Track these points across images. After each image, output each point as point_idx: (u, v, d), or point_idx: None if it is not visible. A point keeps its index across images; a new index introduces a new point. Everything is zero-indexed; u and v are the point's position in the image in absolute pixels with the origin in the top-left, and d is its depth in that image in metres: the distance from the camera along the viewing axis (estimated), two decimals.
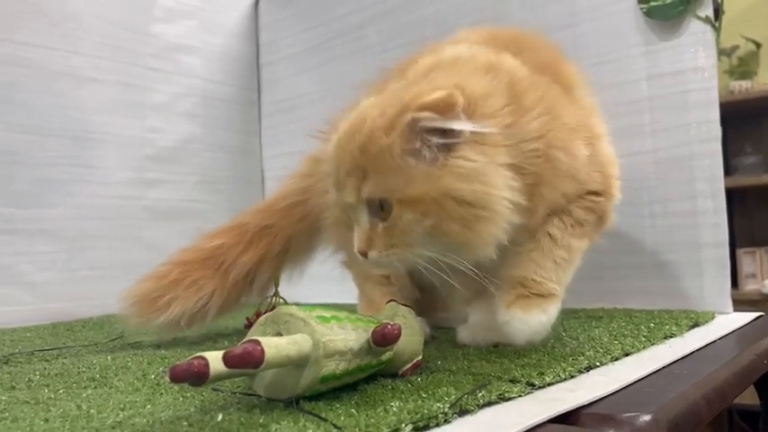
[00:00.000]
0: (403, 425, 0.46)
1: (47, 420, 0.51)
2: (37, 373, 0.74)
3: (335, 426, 0.46)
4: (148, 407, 0.55)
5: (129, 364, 0.78)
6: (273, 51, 1.82)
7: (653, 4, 1.13)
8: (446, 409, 0.50)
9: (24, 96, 1.35)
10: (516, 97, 0.70)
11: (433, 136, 0.64)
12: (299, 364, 0.50)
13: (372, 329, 0.55)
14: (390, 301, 0.69)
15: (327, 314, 0.54)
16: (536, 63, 0.77)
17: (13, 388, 0.66)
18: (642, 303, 1.11)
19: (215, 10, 1.75)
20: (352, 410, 0.50)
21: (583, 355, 0.71)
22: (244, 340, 0.48)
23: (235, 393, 0.57)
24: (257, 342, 0.47)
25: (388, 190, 0.65)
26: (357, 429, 0.45)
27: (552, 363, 0.67)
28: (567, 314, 1.05)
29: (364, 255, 0.68)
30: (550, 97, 0.73)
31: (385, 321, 0.56)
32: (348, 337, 0.53)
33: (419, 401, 0.52)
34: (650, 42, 1.14)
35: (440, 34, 1.43)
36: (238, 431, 0.46)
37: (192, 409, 0.53)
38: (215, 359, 0.46)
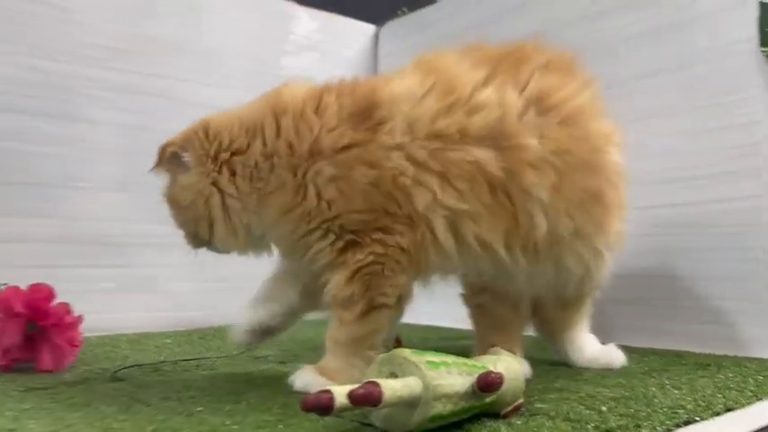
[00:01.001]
0: None
1: None
2: (182, 384, 0.85)
3: None
4: (280, 426, 0.64)
5: (259, 381, 0.89)
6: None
7: None
8: None
9: (169, 125, 1.52)
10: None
11: None
12: (410, 404, 0.57)
13: (477, 376, 0.61)
14: (494, 346, 0.75)
15: (437, 359, 0.60)
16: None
17: (167, 399, 0.77)
18: (755, 351, 1.09)
19: (338, 42, 1.88)
20: None
21: (683, 408, 0.73)
22: (364, 381, 0.56)
23: (353, 421, 0.65)
24: (377, 384, 0.54)
25: None
26: None
27: (651, 415, 0.69)
28: (672, 360, 1.06)
29: None
30: None
31: (488, 369, 0.62)
32: (455, 381, 0.59)
33: None
34: None
35: None
36: None
37: None
38: (340, 395, 0.53)
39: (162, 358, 1.05)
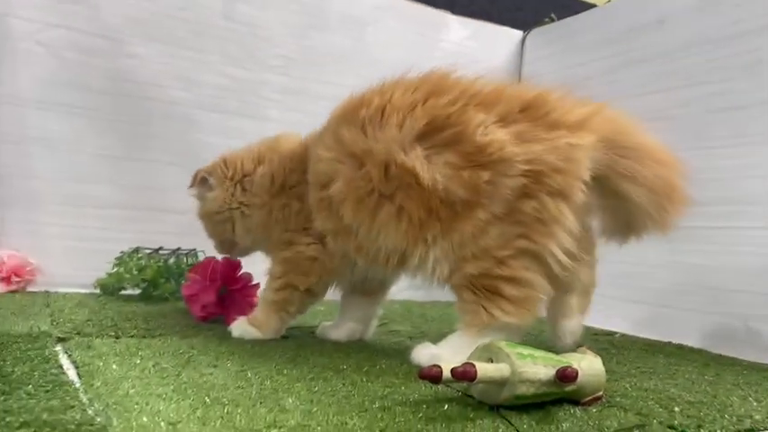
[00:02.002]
0: None
1: (344, 385, 0.84)
2: (333, 346, 1.10)
3: (517, 430, 0.69)
4: (403, 388, 0.84)
5: (390, 351, 1.10)
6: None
7: None
8: None
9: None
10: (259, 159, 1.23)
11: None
12: (500, 383, 0.75)
13: (557, 368, 0.76)
14: (582, 346, 0.90)
15: (526, 352, 0.77)
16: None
17: (321, 356, 1.02)
18: None
19: (486, 49, 2.02)
20: (533, 422, 0.73)
21: (751, 417, 0.83)
22: (465, 362, 0.74)
23: (458, 392, 0.83)
24: (473, 365, 0.72)
25: None
26: None
27: (717, 419, 0.80)
28: (759, 369, 1.12)
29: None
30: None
31: (567, 363, 0.77)
32: (538, 371, 0.76)
33: (584, 426, 0.73)
34: None
35: (688, 85, 1.53)
36: (455, 419, 0.72)
37: (429, 397, 0.80)
38: (446, 370, 0.72)
39: (317, 323, 1.30)
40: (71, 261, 1.63)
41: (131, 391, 0.73)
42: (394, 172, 0.97)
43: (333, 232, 1.08)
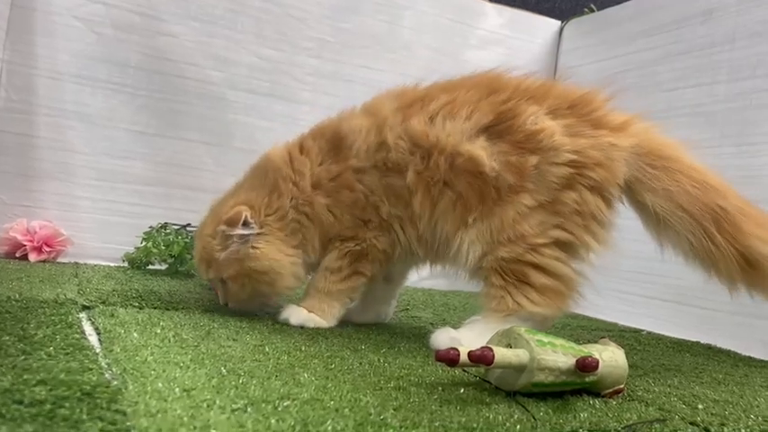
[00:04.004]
0: (581, 430, 0.67)
1: (360, 364, 0.83)
2: (353, 327, 1.10)
3: (533, 417, 0.68)
4: (420, 370, 0.83)
5: (410, 335, 1.09)
6: (569, 77, 1.99)
7: None
8: (620, 428, 0.68)
9: None
10: (274, 187, 1.12)
11: (233, 238, 1.07)
12: (518, 369, 0.73)
13: (577, 358, 0.75)
14: (604, 337, 0.87)
15: (546, 339, 0.75)
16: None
17: (340, 336, 1.01)
18: None
19: (522, 38, 1.99)
20: (550, 411, 0.71)
21: None
22: (484, 346, 0.73)
23: (475, 377, 0.82)
24: (491, 349, 0.71)
25: (220, 272, 1.11)
26: (548, 423, 0.67)
27: (741, 418, 0.78)
28: None
29: (226, 305, 1.13)
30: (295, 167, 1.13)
31: (588, 353, 0.76)
32: (558, 359, 0.74)
33: (603, 417, 0.71)
34: None
35: (733, 80, 1.49)
36: (470, 402, 0.71)
37: (446, 381, 0.79)
38: (464, 353, 0.71)
39: None
40: (101, 234, 1.66)
41: (149, 359, 0.73)
42: (459, 161, 1.01)
43: (399, 218, 1.08)
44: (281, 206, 1.11)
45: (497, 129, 1.01)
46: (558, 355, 0.75)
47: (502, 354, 0.72)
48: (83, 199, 1.66)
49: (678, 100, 1.61)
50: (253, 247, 1.08)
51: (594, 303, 1.12)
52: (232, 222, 1.07)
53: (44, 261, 1.54)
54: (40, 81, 1.60)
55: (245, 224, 1.08)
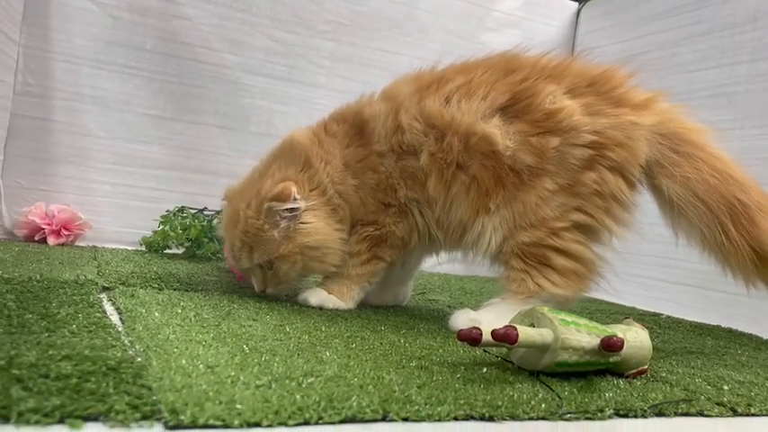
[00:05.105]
0: (607, 409, 0.66)
1: (381, 344, 0.83)
2: (372, 309, 1.09)
3: (558, 396, 0.67)
4: (440, 350, 0.83)
5: (429, 317, 1.09)
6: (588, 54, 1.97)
7: None
8: (646, 408, 0.67)
9: None
10: (308, 165, 1.09)
11: (282, 214, 1.03)
12: (542, 349, 0.73)
13: (602, 337, 0.74)
14: (627, 317, 0.86)
15: (569, 318, 0.75)
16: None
17: (360, 317, 1.01)
18: None
19: (538, 20, 1.96)
20: (575, 390, 0.71)
21: None
22: (507, 324, 0.72)
23: (497, 357, 0.82)
24: (515, 328, 0.70)
25: (267, 254, 1.05)
26: (573, 402, 0.66)
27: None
28: None
29: (263, 292, 1.09)
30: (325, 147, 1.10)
31: (613, 333, 0.75)
32: (582, 338, 0.73)
33: (628, 397, 0.70)
34: None
35: (755, 60, 1.46)
36: (494, 381, 0.70)
37: (468, 360, 0.79)
38: (486, 332, 0.71)
39: None
40: (119, 218, 1.67)
41: (171, 337, 0.73)
42: (473, 141, 1.00)
43: (417, 202, 1.08)
44: (321, 182, 1.09)
45: (514, 108, 1.00)
46: (582, 335, 0.74)
47: (526, 333, 0.71)
48: (100, 183, 1.66)
49: (699, 81, 1.58)
50: (303, 222, 1.06)
51: (614, 288, 1.12)
52: (281, 197, 1.03)
53: (63, 244, 1.55)
54: (57, 65, 1.60)
55: (294, 199, 1.05)
